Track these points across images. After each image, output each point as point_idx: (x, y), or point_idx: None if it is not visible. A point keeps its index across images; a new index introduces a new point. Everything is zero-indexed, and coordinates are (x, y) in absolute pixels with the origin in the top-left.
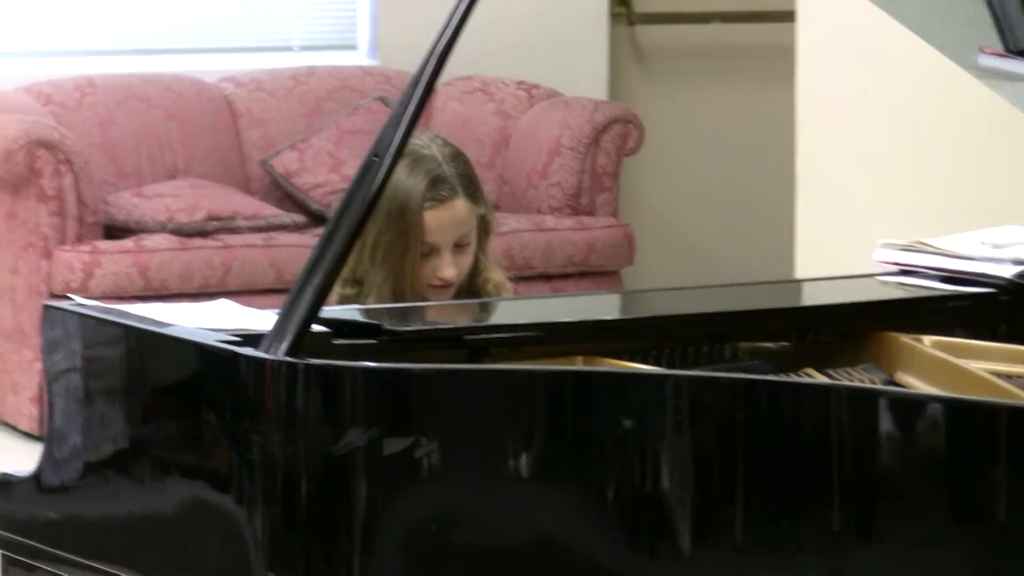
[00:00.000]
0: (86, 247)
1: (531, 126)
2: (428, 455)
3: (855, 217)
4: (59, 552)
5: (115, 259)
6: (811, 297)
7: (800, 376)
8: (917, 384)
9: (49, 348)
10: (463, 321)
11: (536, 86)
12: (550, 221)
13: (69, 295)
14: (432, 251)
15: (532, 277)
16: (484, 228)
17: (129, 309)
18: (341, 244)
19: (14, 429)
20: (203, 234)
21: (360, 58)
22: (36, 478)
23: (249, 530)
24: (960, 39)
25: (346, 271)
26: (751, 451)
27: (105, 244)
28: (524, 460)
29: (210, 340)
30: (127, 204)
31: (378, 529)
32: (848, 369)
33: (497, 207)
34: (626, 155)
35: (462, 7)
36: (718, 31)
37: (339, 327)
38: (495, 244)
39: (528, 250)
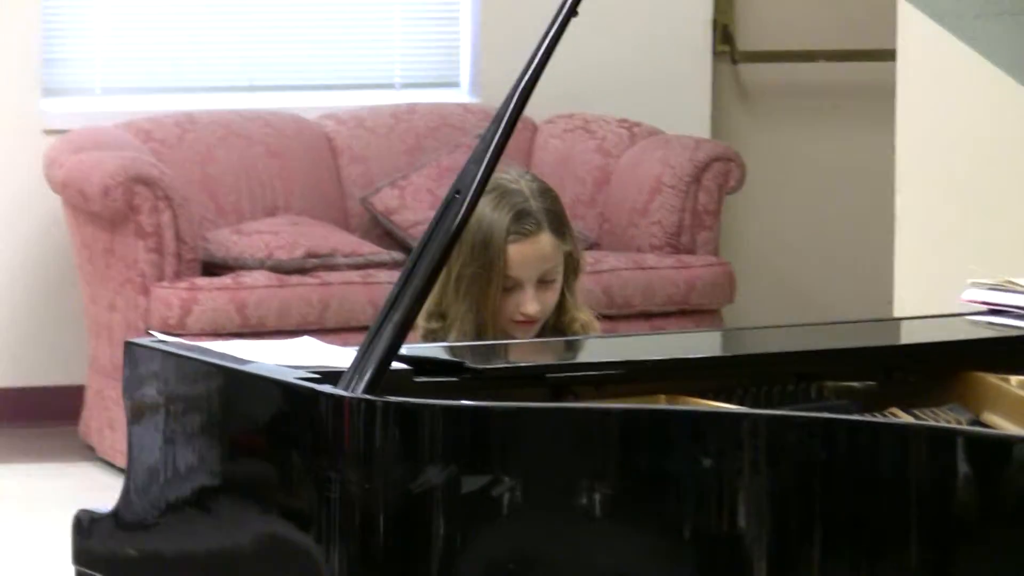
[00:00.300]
0: (184, 284)
1: (632, 164)
2: (506, 493)
3: (953, 256)
4: None
5: (213, 296)
6: (899, 336)
7: (884, 416)
8: (1003, 424)
9: (130, 384)
10: (546, 359)
11: (638, 124)
12: (650, 259)
13: (151, 332)
14: (515, 285)
15: (632, 316)
16: (572, 266)
17: (211, 346)
18: (421, 281)
19: (111, 466)
20: (302, 271)
21: (461, 95)
22: (115, 515)
23: (327, 569)
24: None
25: (430, 305)
26: (828, 491)
27: (203, 281)
28: (600, 499)
29: (289, 377)
30: (226, 241)
31: (456, 568)
32: (934, 409)
33: (597, 245)
34: (728, 193)
35: (545, 45)
36: (823, 69)
37: (421, 365)
38: (590, 282)
39: (628, 288)
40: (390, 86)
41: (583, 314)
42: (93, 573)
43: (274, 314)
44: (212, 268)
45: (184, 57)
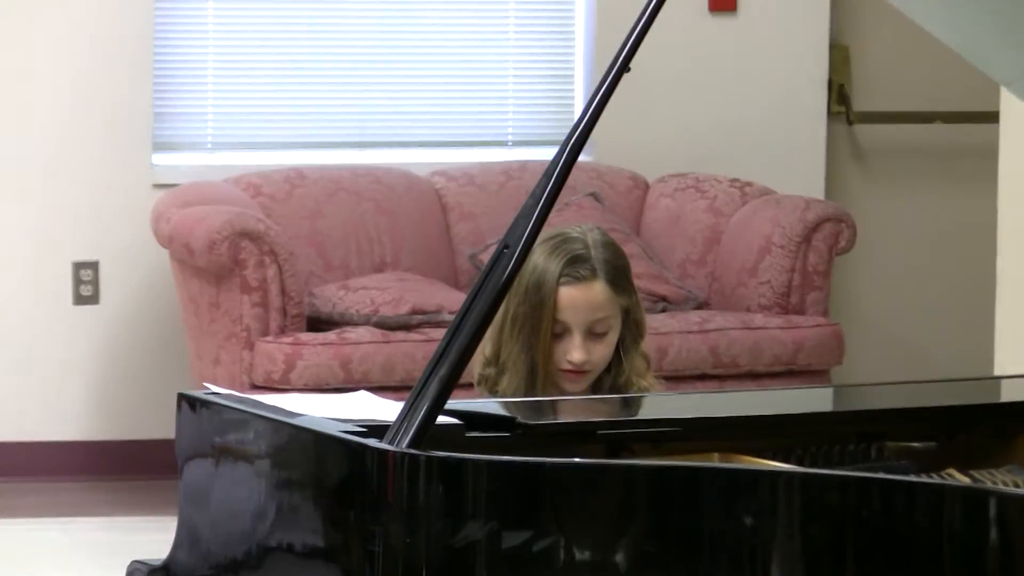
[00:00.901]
0: (288, 339)
1: (743, 224)
2: (547, 550)
3: None
4: None
5: (317, 351)
6: (964, 396)
7: (941, 477)
8: None
9: (181, 436)
10: (602, 415)
11: (750, 184)
12: (758, 319)
13: (205, 384)
14: (565, 331)
15: (739, 375)
16: (632, 326)
17: (263, 399)
18: (468, 336)
19: None
20: (407, 328)
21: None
22: (166, 568)
23: None
24: None
25: (488, 351)
26: (862, 550)
27: (307, 336)
28: (636, 557)
29: (335, 430)
30: (332, 296)
31: None
32: (992, 470)
33: (707, 304)
34: (838, 254)
35: (596, 101)
36: (938, 131)
37: (474, 420)
38: (697, 341)
39: (735, 348)
40: (503, 143)
41: (645, 380)
42: None
43: (378, 369)
44: (318, 324)
45: (295, 113)
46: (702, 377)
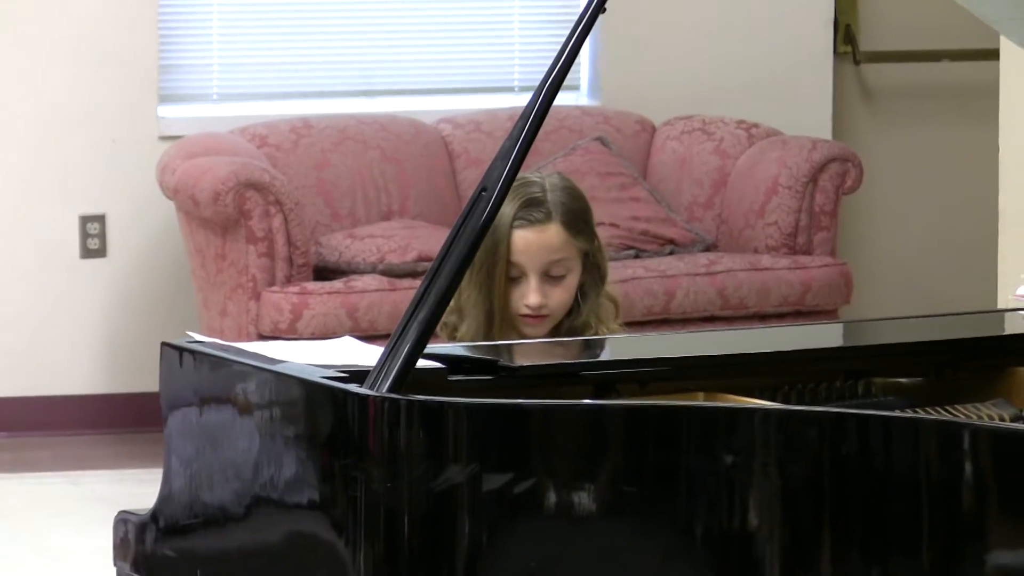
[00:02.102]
0: (295, 288)
1: (749, 165)
2: (529, 492)
3: None
4: None
5: (324, 300)
6: (951, 332)
7: (927, 413)
8: None
9: (165, 386)
10: (588, 357)
11: (756, 125)
12: (766, 260)
13: (188, 332)
14: (521, 275)
15: (747, 317)
16: (593, 271)
17: (246, 347)
18: (447, 279)
19: None
20: (413, 275)
21: (581, 98)
22: (153, 516)
23: (353, 568)
24: None
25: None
26: (840, 487)
27: (314, 285)
28: (617, 497)
29: (315, 377)
30: (339, 245)
31: (480, 566)
32: (977, 405)
33: (714, 247)
34: (845, 194)
35: (572, 41)
36: (946, 69)
37: (457, 363)
38: (705, 283)
39: (743, 289)
40: (509, 89)
41: (607, 326)
42: (133, 574)
43: (385, 317)
44: (325, 273)
45: (300, 62)
46: (710, 319)
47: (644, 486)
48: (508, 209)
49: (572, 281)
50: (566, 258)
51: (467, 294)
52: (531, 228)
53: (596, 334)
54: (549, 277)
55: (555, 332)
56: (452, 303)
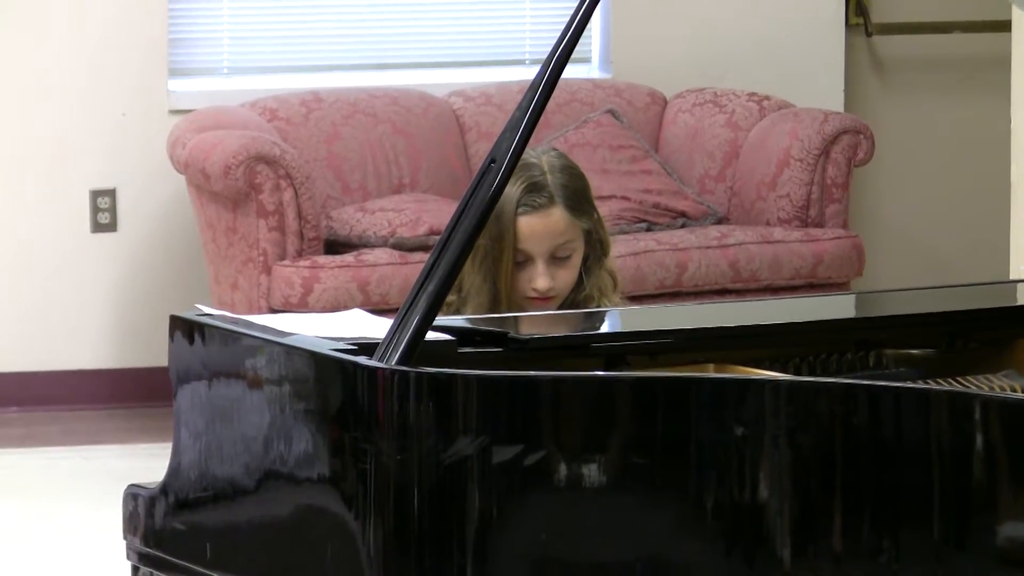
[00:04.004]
0: (306, 262)
1: (761, 138)
2: (539, 463)
3: None
4: (183, 562)
5: (335, 274)
6: (962, 303)
7: (938, 384)
8: None
9: (175, 358)
10: (593, 329)
11: (767, 97)
12: (777, 233)
13: (197, 305)
14: (527, 260)
15: (759, 290)
16: (596, 247)
17: (256, 319)
18: (455, 252)
19: None
20: (424, 248)
21: (592, 71)
22: (163, 489)
23: (364, 542)
24: None
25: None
26: (850, 458)
27: (325, 259)
28: (626, 469)
29: (325, 349)
30: (350, 219)
31: (490, 538)
32: (988, 376)
33: (726, 219)
34: (857, 166)
35: (581, 13)
36: (958, 41)
37: (466, 336)
38: (717, 256)
39: (755, 263)
40: (520, 62)
41: (609, 299)
42: (143, 547)
43: (396, 291)
44: (335, 246)
45: (310, 36)
46: (722, 292)
47: (654, 458)
48: (512, 195)
49: (577, 259)
50: (571, 240)
51: (470, 280)
52: (535, 214)
53: (598, 306)
54: (555, 259)
55: (558, 307)
56: (460, 284)
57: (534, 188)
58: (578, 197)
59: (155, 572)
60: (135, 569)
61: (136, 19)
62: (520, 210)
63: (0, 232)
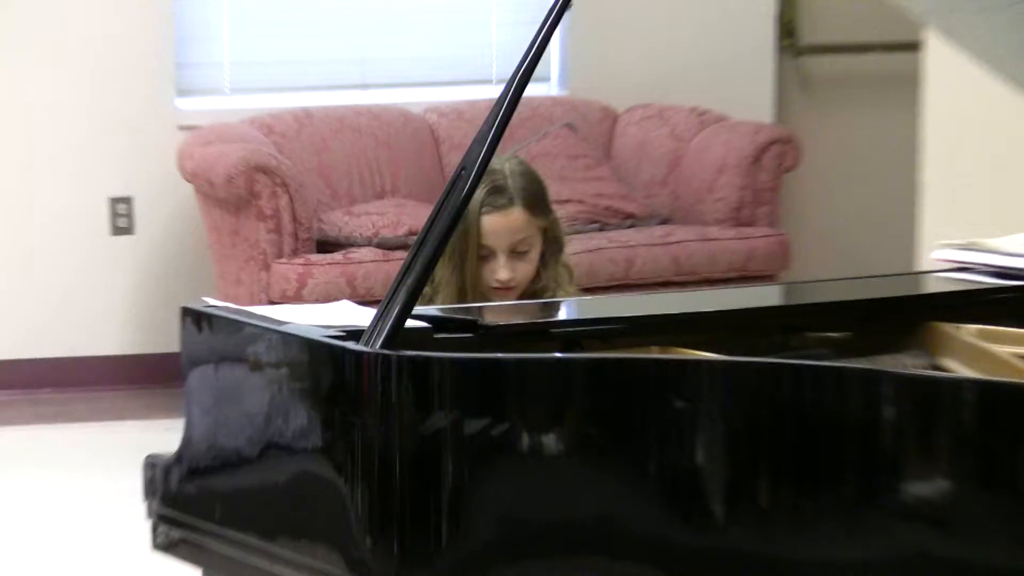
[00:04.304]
0: (300, 260)
1: (700, 148)
2: (504, 435)
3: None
4: (195, 520)
5: (325, 270)
6: (874, 291)
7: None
8: (955, 368)
9: (185, 345)
10: (552, 316)
11: (706, 111)
12: (714, 232)
13: (204, 298)
14: (490, 254)
15: (697, 282)
16: (552, 243)
17: (256, 310)
18: (431, 248)
19: None
20: (404, 247)
21: (551, 89)
22: (177, 458)
23: (352, 504)
24: None
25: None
26: (775, 427)
27: (317, 257)
28: (578, 440)
29: (317, 336)
30: (338, 222)
31: (462, 499)
32: (897, 355)
33: (669, 220)
34: (785, 172)
35: (541, 36)
36: (877, 60)
37: (441, 323)
38: (661, 253)
39: (694, 258)
40: (488, 82)
41: (564, 289)
42: (161, 508)
43: (380, 285)
44: (326, 246)
45: (302, 60)
46: (665, 284)
47: (604, 429)
48: (476, 196)
49: (535, 254)
50: (529, 236)
51: (441, 272)
52: (497, 213)
53: (554, 296)
54: (515, 253)
55: (518, 296)
56: (433, 279)
57: (496, 191)
58: (536, 199)
59: (171, 529)
60: (154, 527)
61: (147, 45)
62: (483, 210)
63: (31, 235)
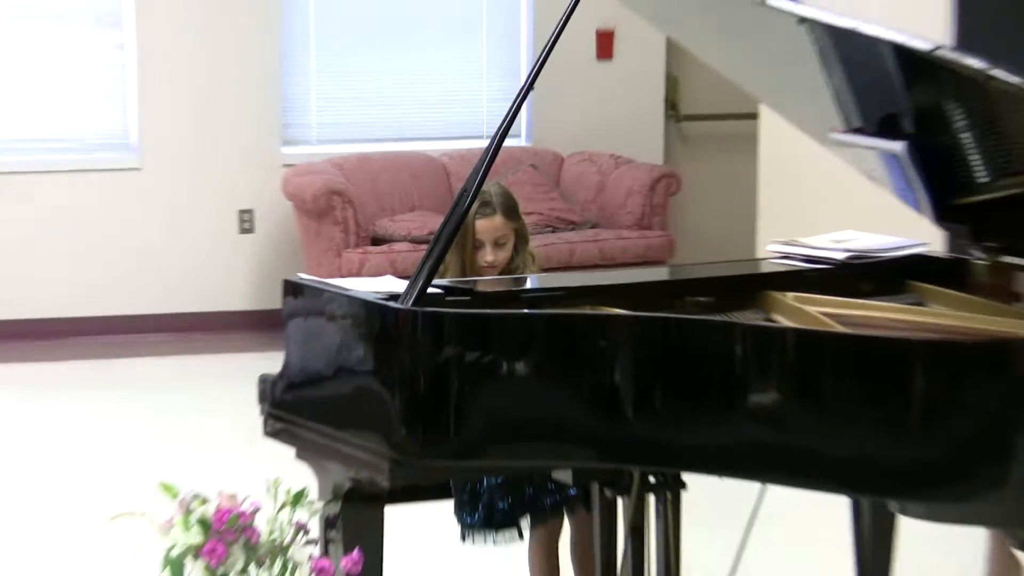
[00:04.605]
0: (360, 250)
1: (616, 179)
2: (490, 362)
3: (790, 230)
4: (291, 416)
5: (376, 257)
6: (730, 271)
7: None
8: (780, 320)
9: (285, 304)
10: (520, 286)
11: (620, 156)
12: (626, 233)
13: (298, 274)
14: (481, 245)
15: (615, 265)
16: (520, 237)
17: (332, 281)
18: (445, 240)
19: None
20: (426, 242)
21: (521, 141)
22: (280, 376)
23: (391, 406)
24: (823, 121)
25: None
26: (666, 359)
27: (371, 248)
28: (537, 366)
29: (371, 297)
30: (385, 225)
31: (462, 403)
32: (744, 312)
33: (598, 225)
34: (671, 196)
35: (512, 108)
36: (730, 123)
37: (449, 290)
38: (592, 248)
39: (614, 250)
40: (480, 136)
41: (529, 268)
42: (270, 409)
43: (411, 266)
44: (376, 241)
45: (362, 122)
46: (594, 267)
47: (554, 359)
48: (472, 208)
49: (510, 245)
50: (506, 233)
51: (449, 257)
52: (486, 219)
53: (523, 273)
54: (497, 245)
55: (499, 272)
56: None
57: (485, 204)
58: (511, 210)
59: (275, 422)
60: (265, 421)
61: (264, 112)
62: (477, 216)
63: (189, 232)
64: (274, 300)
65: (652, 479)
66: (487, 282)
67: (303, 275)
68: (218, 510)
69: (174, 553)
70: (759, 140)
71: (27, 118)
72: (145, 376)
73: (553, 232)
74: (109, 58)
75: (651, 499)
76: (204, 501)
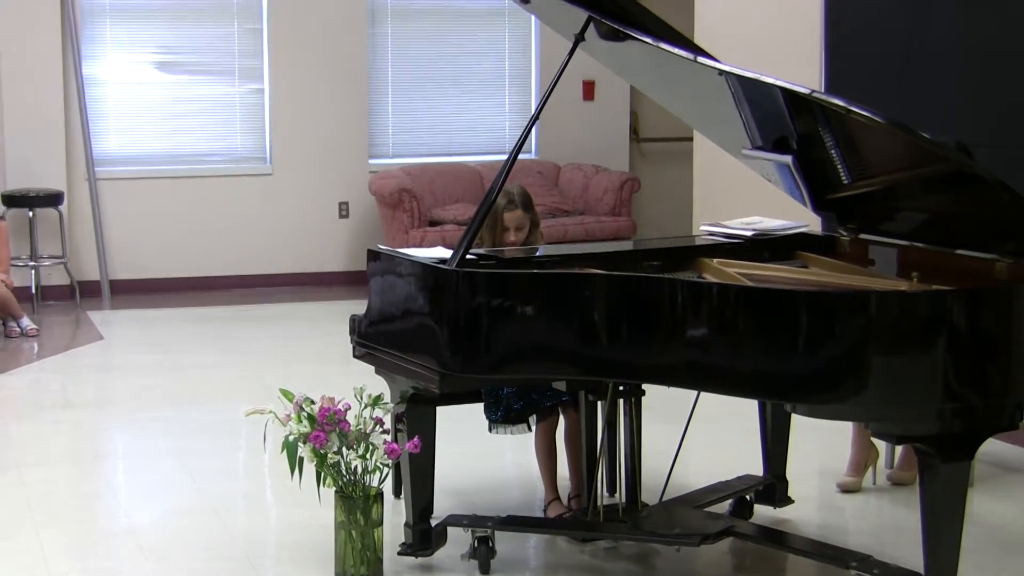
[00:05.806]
0: (421, 230)
1: (596, 182)
2: (508, 307)
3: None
4: (373, 344)
5: (433, 234)
6: (671, 243)
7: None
8: (710, 278)
9: (369, 265)
10: (532, 254)
11: (599, 166)
12: (603, 219)
13: (380, 246)
14: (507, 229)
15: (593, 240)
16: (534, 223)
17: (400, 250)
18: (478, 221)
19: None
20: (466, 224)
21: (531, 155)
22: (364, 315)
23: (441, 337)
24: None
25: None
26: (630, 304)
27: (429, 229)
28: (540, 310)
29: (428, 261)
30: (438, 213)
31: (492, 334)
32: (685, 272)
33: (582, 213)
34: (633, 193)
35: (523, 135)
36: (675, 144)
37: (482, 257)
38: (578, 228)
39: (593, 230)
40: (503, 152)
41: (539, 244)
42: (358, 340)
43: (455, 242)
44: (433, 224)
45: (424, 141)
46: (581, 241)
47: (552, 304)
48: (501, 203)
49: (527, 228)
50: (524, 221)
51: (483, 235)
52: (510, 211)
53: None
54: (518, 229)
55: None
56: (479, 238)
57: (510, 200)
58: (528, 204)
59: (362, 349)
60: (354, 348)
61: (354, 131)
62: (504, 209)
63: (303, 220)
64: (361, 263)
65: (621, 388)
66: (508, 251)
67: (381, 246)
68: (321, 408)
69: (291, 439)
70: (694, 155)
71: (200, 141)
72: (274, 315)
73: (553, 218)
74: (252, 99)
75: (620, 402)
76: (311, 402)
